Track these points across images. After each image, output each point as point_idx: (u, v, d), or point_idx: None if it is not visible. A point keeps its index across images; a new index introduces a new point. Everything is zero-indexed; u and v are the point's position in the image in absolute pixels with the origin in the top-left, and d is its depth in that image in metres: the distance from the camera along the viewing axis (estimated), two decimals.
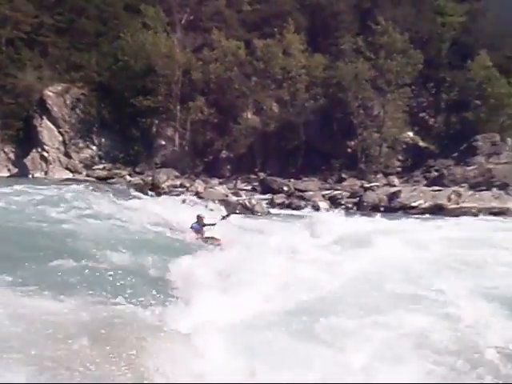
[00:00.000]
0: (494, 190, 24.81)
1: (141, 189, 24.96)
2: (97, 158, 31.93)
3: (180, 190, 25.54)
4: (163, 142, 32.50)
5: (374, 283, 7.71)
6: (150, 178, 26.94)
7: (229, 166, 31.21)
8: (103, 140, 32.24)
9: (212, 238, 10.95)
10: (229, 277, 7.33)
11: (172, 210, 15.14)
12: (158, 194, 23.55)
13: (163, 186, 25.76)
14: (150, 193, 23.93)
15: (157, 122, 32.37)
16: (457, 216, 20.53)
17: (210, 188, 25.34)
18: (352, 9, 36.23)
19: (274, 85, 31.45)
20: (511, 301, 6.68)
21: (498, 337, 5.30)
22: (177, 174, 29.01)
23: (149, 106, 30.09)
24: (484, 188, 24.84)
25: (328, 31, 34.95)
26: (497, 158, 26.50)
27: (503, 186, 25.46)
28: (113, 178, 28.93)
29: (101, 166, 31.03)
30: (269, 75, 31.15)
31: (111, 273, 6.75)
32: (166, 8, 33.18)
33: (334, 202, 23.12)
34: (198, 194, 23.74)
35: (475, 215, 21.16)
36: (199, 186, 25.50)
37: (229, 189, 25.91)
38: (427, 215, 20.39)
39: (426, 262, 9.53)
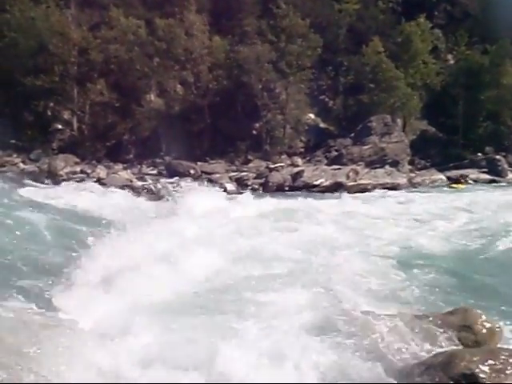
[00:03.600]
0: (387, 167, 26.90)
1: (36, 177, 23.47)
2: None
3: (80, 176, 24.35)
4: (60, 127, 30.40)
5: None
6: (47, 165, 25.23)
7: (133, 150, 30.07)
8: None
9: None
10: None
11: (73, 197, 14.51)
12: (56, 182, 22.30)
13: (61, 173, 24.29)
14: (46, 181, 22.60)
15: (52, 104, 30.19)
16: (355, 192, 22.08)
17: (113, 173, 24.46)
18: None
19: (177, 66, 30.77)
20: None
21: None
22: (76, 159, 27.34)
23: (42, 86, 27.90)
24: (378, 165, 26.80)
25: (231, 13, 34.85)
26: (388, 138, 28.57)
27: (395, 164, 27.69)
28: (4, 166, 26.57)
29: None
30: (171, 56, 30.37)
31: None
32: None
33: (241, 184, 23.55)
34: (100, 181, 22.84)
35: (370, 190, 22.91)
36: (101, 171, 24.49)
37: (133, 174, 25.19)
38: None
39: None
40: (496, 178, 30.69)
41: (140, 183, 21.73)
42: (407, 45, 33.87)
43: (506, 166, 32.99)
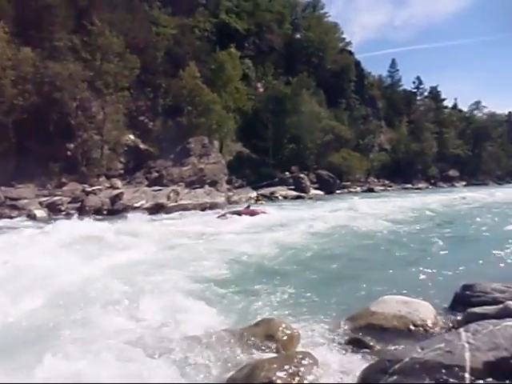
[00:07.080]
0: (206, 187, 28.04)
1: None
2: None
3: None
4: None
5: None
6: None
7: None
8: None
9: None
10: None
11: None
12: None
13: None
14: None
15: None
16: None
17: None
18: (67, 5, 34.23)
19: None
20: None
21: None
22: None
23: None
24: (198, 186, 27.75)
25: (41, 25, 32.13)
26: (207, 159, 29.90)
27: (213, 183, 29.06)
28: None
29: None
30: None
31: None
32: None
33: (54, 209, 21.76)
34: None
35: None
36: None
37: None
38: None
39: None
40: (301, 194, 34.71)
41: None
42: (220, 71, 36.27)
43: (308, 183, 37.70)
